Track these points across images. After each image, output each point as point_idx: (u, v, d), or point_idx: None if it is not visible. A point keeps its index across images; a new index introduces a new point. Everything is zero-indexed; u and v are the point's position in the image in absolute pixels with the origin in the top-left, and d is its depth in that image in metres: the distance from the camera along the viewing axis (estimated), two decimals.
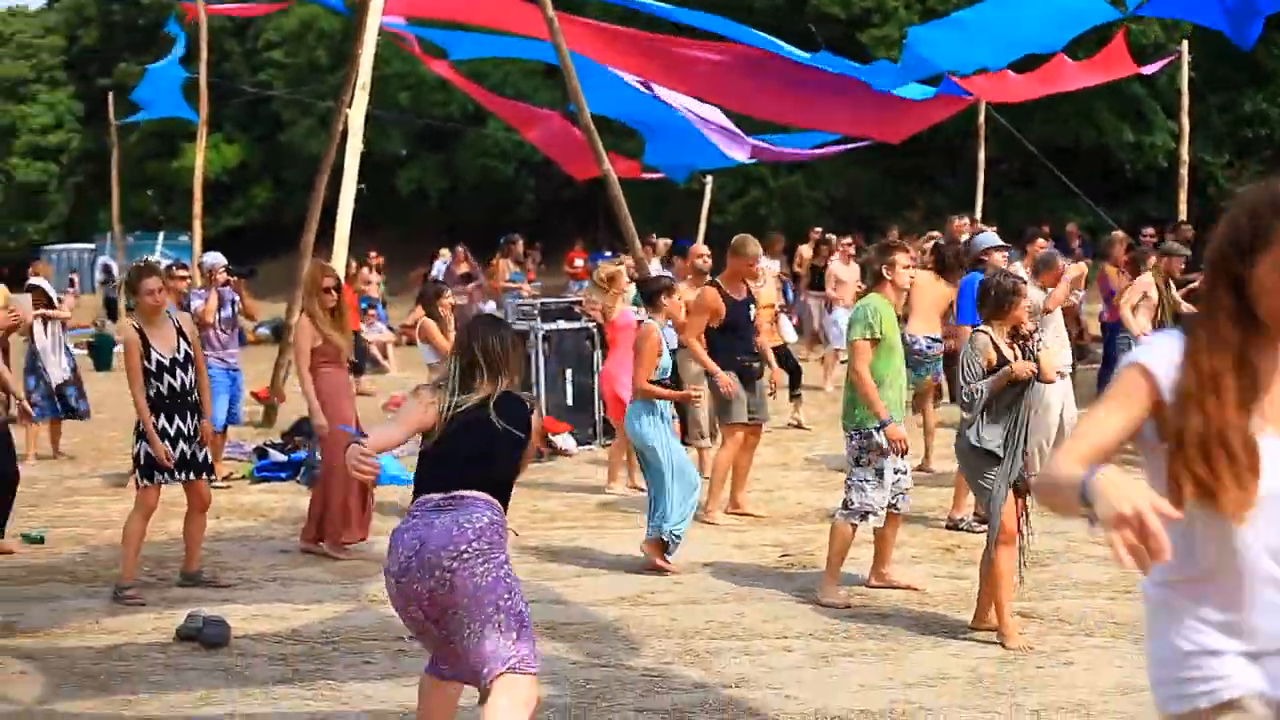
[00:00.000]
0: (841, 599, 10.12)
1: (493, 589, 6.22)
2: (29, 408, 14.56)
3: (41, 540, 12.78)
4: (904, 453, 10.20)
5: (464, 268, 28.21)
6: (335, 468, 11.68)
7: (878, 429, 10.06)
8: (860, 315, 10.31)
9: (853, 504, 10.18)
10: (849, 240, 24.81)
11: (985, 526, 10.06)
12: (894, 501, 10.31)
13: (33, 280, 18.82)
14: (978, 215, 26.64)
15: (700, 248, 16.63)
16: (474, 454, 6.46)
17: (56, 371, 17.39)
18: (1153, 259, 16.91)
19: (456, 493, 6.37)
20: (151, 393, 10.55)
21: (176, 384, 10.62)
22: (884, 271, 10.34)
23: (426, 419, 6.57)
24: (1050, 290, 13.38)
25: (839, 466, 15.68)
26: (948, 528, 12.48)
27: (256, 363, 24.90)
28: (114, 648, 9.32)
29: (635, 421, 11.44)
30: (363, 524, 12.04)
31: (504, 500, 6.52)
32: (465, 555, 6.19)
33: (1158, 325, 16.23)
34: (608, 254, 33.78)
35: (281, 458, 16.25)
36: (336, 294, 12.02)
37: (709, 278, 14.05)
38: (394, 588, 6.37)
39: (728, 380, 12.87)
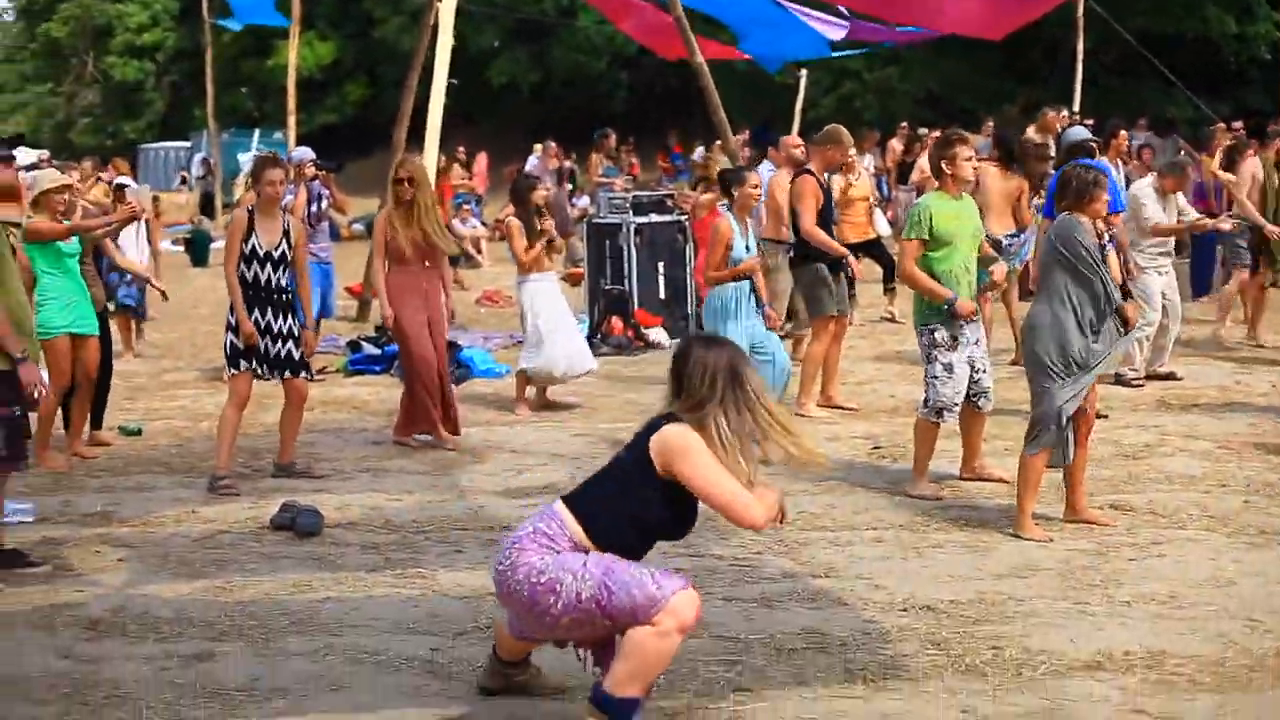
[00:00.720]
0: (931, 491, 10.10)
1: (536, 604, 5.86)
2: (160, 288, 14.77)
3: (139, 433, 12.93)
4: (970, 318, 10.09)
5: (555, 163, 28.13)
6: (410, 361, 11.78)
7: (943, 322, 10.00)
8: (911, 215, 10.27)
9: (929, 400, 10.15)
10: (937, 134, 24.54)
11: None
12: (975, 400, 10.24)
13: (118, 180, 18.95)
14: (1075, 108, 26.22)
15: (794, 138, 16.51)
16: (601, 472, 6.22)
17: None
18: (1251, 151, 16.71)
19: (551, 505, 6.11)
20: (245, 276, 10.66)
21: (266, 277, 10.70)
22: (944, 166, 10.21)
23: None
24: (1171, 196, 13.37)
25: None
26: None
27: (350, 258, 25.04)
28: (209, 536, 9.43)
29: (708, 313, 11.47)
30: (448, 418, 12.04)
31: (598, 531, 5.97)
32: (499, 566, 5.98)
33: (1263, 211, 16.05)
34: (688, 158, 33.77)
35: (375, 351, 16.33)
36: (410, 188, 11.98)
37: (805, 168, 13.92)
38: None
39: (856, 262, 12.89)
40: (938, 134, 23.64)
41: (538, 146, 32.57)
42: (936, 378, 10.09)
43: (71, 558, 8.97)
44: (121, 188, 17.27)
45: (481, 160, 36.62)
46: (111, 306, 16.00)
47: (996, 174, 14.55)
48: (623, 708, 5.66)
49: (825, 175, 13.44)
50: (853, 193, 16.86)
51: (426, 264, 12.00)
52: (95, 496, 10.55)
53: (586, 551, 5.93)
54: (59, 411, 11.89)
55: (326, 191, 16.50)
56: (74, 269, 11.69)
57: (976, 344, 10.21)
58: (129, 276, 16.64)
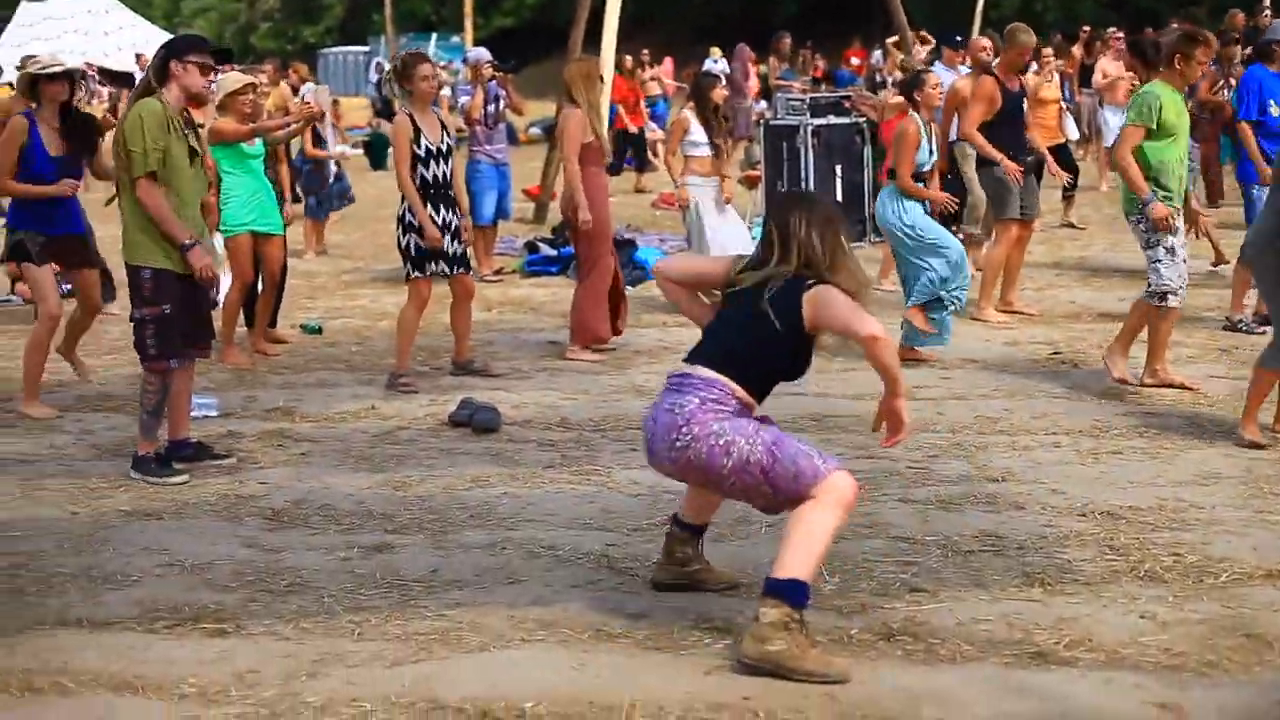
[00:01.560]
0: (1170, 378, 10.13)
1: (712, 465, 5.92)
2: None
3: (319, 331, 13.12)
4: (1171, 230, 9.93)
5: (752, 67, 27.91)
6: (596, 265, 11.72)
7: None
8: (1137, 100, 10.06)
9: (1151, 285, 10.01)
10: (1120, 34, 23.95)
11: (1265, 328, 9.78)
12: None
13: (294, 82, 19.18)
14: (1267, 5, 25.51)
15: (982, 39, 16.26)
16: (725, 332, 6.20)
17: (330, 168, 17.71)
18: None
19: (689, 370, 6.13)
20: (417, 180, 10.70)
21: (439, 173, 10.75)
22: (1178, 61, 9.96)
23: (714, 268, 6.52)
24: None
25: (1115, 265, 15.43)
26: (1225, 328, 12.17)
27: (527, 160, 25.14)
28: (388, 432, 9.56)
29: (883, 209, 11.34)
30: (620, 320, 11.98)
31: (751, 386, 6.10)
32: (678, 444, 5.96)
33: None
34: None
35: (551, 252, 16.42)
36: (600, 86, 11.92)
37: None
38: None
39: (1015, 167, 12.68)
40: (1117, 34, 23.11)
41: (714, 50, 32.37)
42: (1159, 261, 9.95)
43: (255, 451, 9.14)
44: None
45: (667, 64, 36.49)
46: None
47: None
48: (795, 590, 5.68)
49: (1017, 75, 13.22)
50: (1044, 94, 16.57)
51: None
52: (277, 392, 10.73)
53: (751, 411, 6.06)
54: (241, 309, 12.09)
55: (503, 93, 16.52)
56: (257, 169, 11.85)
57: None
58: (322, 177, 16.91)
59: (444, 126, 10.89)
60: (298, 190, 18.38)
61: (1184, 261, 10.02)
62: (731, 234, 13.17)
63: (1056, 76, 18.10)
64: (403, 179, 10.71)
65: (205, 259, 8.51)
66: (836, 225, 6.20)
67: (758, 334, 6.07)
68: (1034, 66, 15.90)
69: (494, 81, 16.41)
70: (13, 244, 10.40)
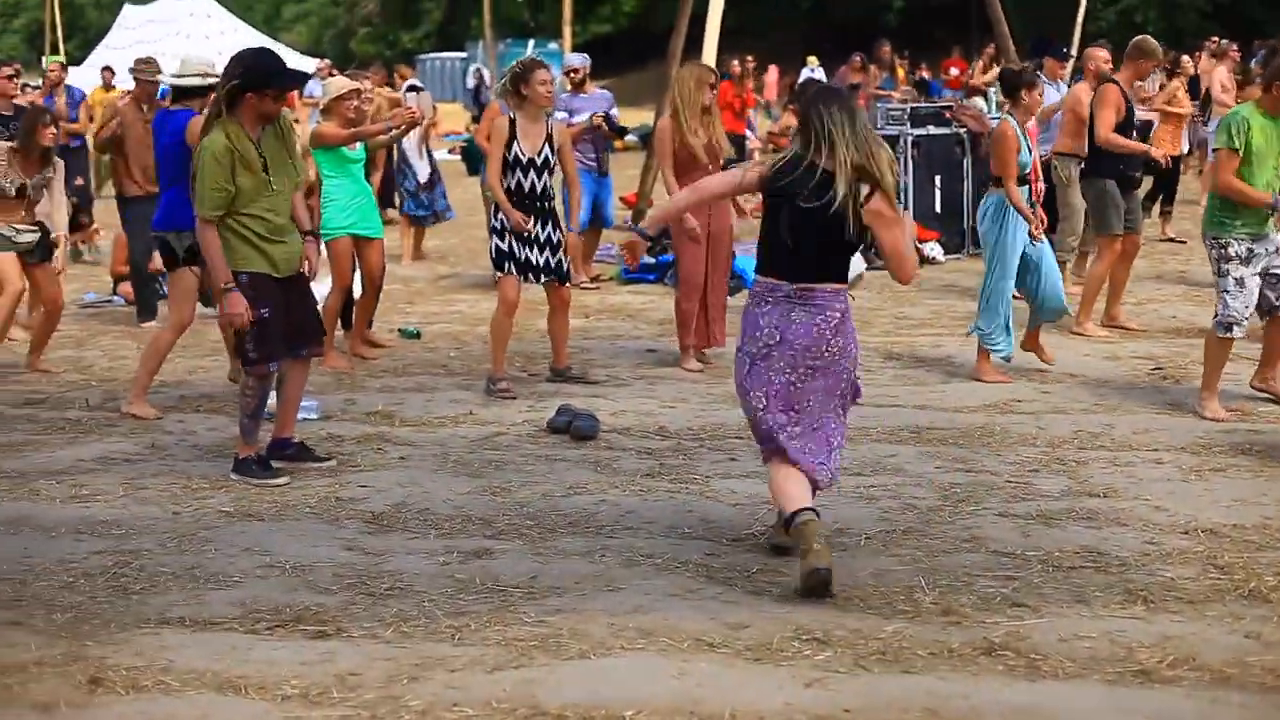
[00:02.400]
0: (1216, 413, 9.85)
1: (837, 386, 6.91)
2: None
3: (418, 335, 13.19)
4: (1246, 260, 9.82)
5: (856, 77, 27.82)
6: (687, 277, 11.67)
7: (1235, 237, 9.75)
8: (1224, 123, 9.94)
9: (1218, 314, 9.90)
10: (1235, 46, 23.65)
11: None
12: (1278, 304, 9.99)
13: (410, 82, 19.25)
14: None
15: (1101, 49, 16.09)
16: (822, 243, 6.79)
17: (422, 174, 17.72)
18: None
19: (807, 285, 6.82)
20: (507, 185, 10.73)
21: (528, 184, 10.76)
22: (1275, 88, 9.80)
23: (745, 179, 7.09)
24: None
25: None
26: None
27: (625, 169, 25.14)
28: (487, 437, 9.59)
29: (983, 216, 11.20)
30: (708, 330, 11.91)
31: (845, 273, 6.94)
32: (827, 354, 6.83)
33: None
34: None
35: (649, 260, 16.41)
36: (713, 92, 11.84)
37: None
38: (746, 366, 6.97)
39: (1162, 152, 12.56)
40: (1234, 47, 22.75)
41: (811, 59, 32.33)
42: (1227, 291, 9.84)
43: (354, 454, 9.20)
44: (415, 88, 17.51)
45: (773, 72, 36.43)
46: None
47: None
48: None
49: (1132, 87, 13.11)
50: (1175, 106, 16.51)
51: (712, 170, 11.86)
52: (376, 396, 10.79)
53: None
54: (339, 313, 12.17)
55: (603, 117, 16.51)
56: (358, 174, 11.92)
57: (1277, 253, 9.93)
58: (419, 184, 16.98)
59: (549, 139, 10.89)
60: (395, 196, 18.53)
61: (1252, 293, 9.87)
62: None
63: (1175, 90, 17.98)
64: (490, 179, 10.87)
65: (238, 307, 8.43)
66: (862, 116, 6.81)
67: (839, 238, 6.74)
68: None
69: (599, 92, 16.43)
70: (161, 243, 10.46)
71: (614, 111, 16.65)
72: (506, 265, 10.80)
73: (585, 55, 17.60)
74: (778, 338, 6.83)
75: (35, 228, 11.61)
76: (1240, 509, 7.86)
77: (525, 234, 10.71)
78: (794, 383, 6.87)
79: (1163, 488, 8.28)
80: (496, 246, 10.83)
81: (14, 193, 11.43)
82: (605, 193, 16.41)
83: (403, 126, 12.05)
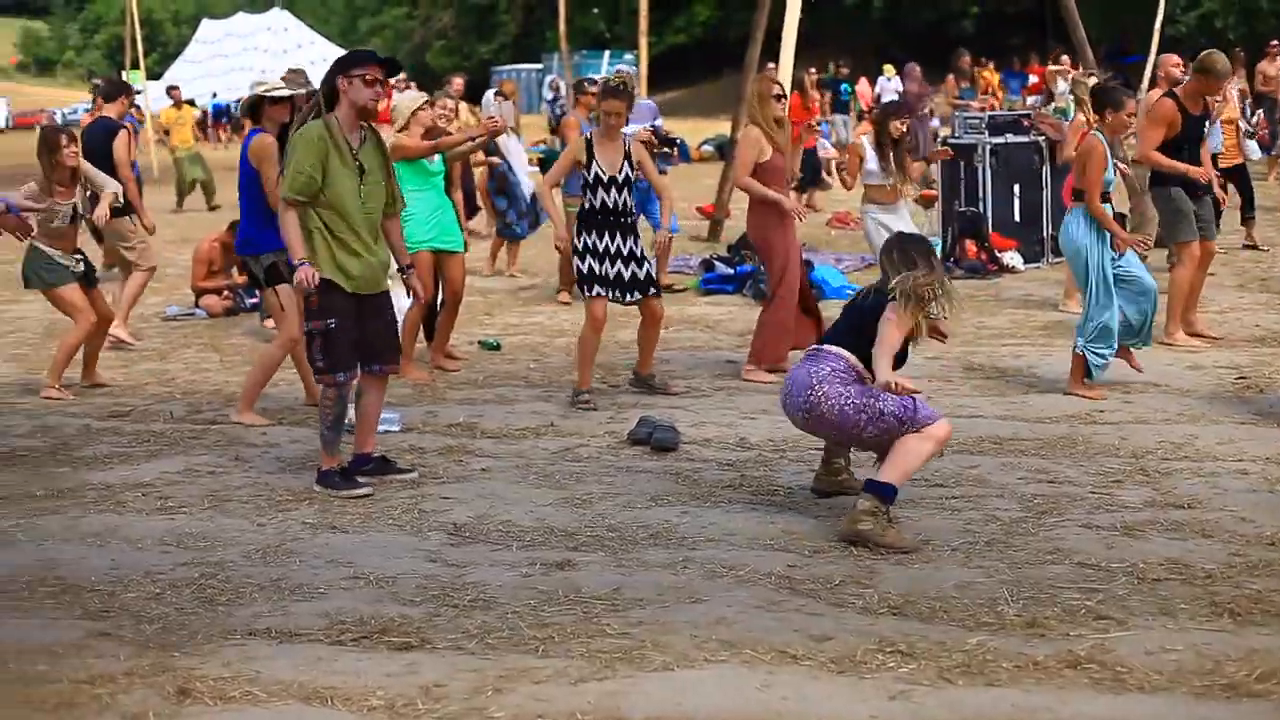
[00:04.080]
0: None
1: (844, 418, 7.73)
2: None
3: (498, 347, 13.25)
4: None
5: (915, 87, 27.75)
6: (779, 284, 11.68)
7: None
8: None
9: None
10: None
11: None
12: None
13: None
14: None
15: (1174, 57, 15.99)
16: (846, 322, 8.06)
17: (525, 190, 17.67)
18: None
19: (820, 347, 8.06)
20: (585, 206, 10.79)
21: (610, 202, 10.81)
22: None
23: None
24: None
25: None
26: None
27: (703, 178, 25.20)
28: (567, 449, 9.62)
29: (1069, 228, 11.06)
30: (819, 332, 11.85)
31: (865, 362, 7.81)
32: (810, 399, 7.79)
33: None
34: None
35: (728, 271, 16.44)
36: (784, 103, 11.85)
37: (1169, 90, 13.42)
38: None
39: (1204, 172, 12.44)
40: None
41: (888, 67, 32.22)
42: None
43: (436, 466, 9.25)
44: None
45: (863, 83, 36.31)
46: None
47: None
48: (886, 489, 7.53)
49: (1202, 99, 12.94)
50: (1224, 115, 16.31)
51: (778, 185, 11.87)
52: (458, 408, 10.85)
53: (864, 381, 7.81)
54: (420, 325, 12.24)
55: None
56: (439, 186, 11.98)
57: None
58: (518, 205, 17.02)
59: (627, 156, 10.93)
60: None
61: None
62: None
63: (1233, 96, 17.79)
64: (544, 192, 11.05)
65: (307, 275, 8.49)
66: (916, 272, 7.76)
67: (865, 325, 7.81)
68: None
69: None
70: (267, 268, 10.51)
71: (658, 122, 16.69)
72: (594, 288, 10.84)
73: (628, 67, 17.67)
74: (786, 389, 8.12)
75: (80, 254, 11.79)
76: None
77: (606, 249, 10.76)
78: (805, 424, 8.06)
79: (1248, 499, 8.21)
80: (577, 268, 10.88)
81: (69, 221, 11.58)
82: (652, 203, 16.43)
83: (484, 136, 12.10)
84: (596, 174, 10.78)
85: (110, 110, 14.72)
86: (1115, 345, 10.88)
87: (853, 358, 7.82)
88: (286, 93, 10.55)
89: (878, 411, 7.61)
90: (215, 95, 54.64)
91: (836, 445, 8.25)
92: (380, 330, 8.91)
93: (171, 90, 29.33)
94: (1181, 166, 12.41)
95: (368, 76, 8.58)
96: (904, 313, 7.69)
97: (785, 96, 11.96)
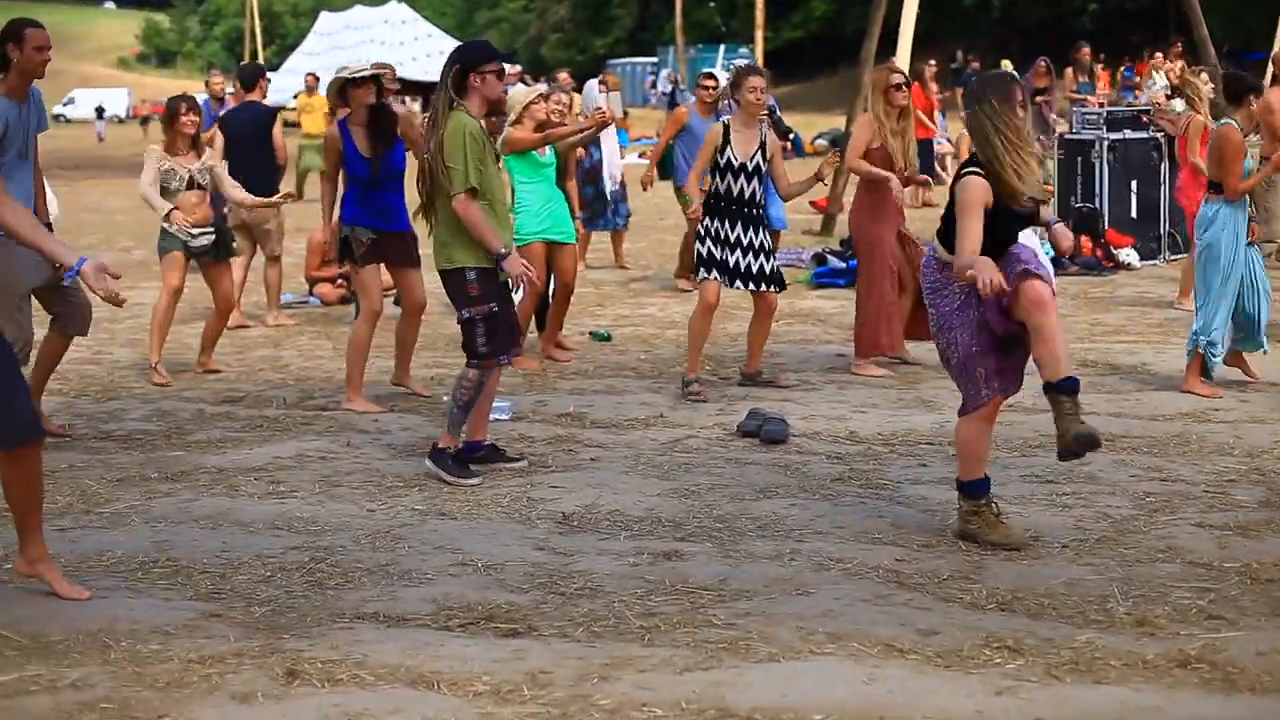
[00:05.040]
0: None
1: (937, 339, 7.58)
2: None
3: (609, 338, 13.28)
4: None
5: (1043, 81, 27.45)
6: (870, 277, 11.61)
7: None
8: None
9: None
10: None
11: None
12: None
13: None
14: None
15: None
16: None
17: (611, 181, 17.67)
18: None
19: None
20: (715, 190, 10.78)
21: (738, 189, 10.79)
22: None
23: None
24: None
25: None
26: None
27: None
28: (677, 440, 9.63)
29: (1201, 219, 10.87)
30: (916, 321, 11.74)
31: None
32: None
33: None
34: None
35: (840, 265, 16.39)
36: (905, 92, 11.75)
37: None
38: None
39: None
40: None
41: (1005, 62, 31.96)
42: None
43: (546, 455, 9.28)
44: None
45: (1040, 63, 35.92)
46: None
47: None
48: (973, 487, 7.42)
49: None
50: None
51: (896, 174, 11.73)
52: (568, 398, 10.88)
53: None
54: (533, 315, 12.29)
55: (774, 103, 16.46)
56: (550, 178, 12.02)
57: None
58: (602, 197, 17.02)
59: (763, 146, 10.92)
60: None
61: None
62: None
63: None
64: (690, 180, 10.87)
65: (519, 264, 8.70)
66: (992, 102, 7.22)
67: (950, 203, 7.35)
68: None
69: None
70: (342, 240, 10.68)
71: (774, 105, 16.60)
72: (710, 270, 10.85)
73: (745, 60, 17.62)
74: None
75: (211, 229, 11.88)
76: None
77: (726, 236, 10.76)
78: None
79: None
80: (698, 252, 10.89)
81: (185, 186, 11.67)
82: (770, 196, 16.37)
83: (594, 128, 12.13)
84: (729, 159, 10.78)
85: (254, 95, 14.87)
86: (1226, 344, 10.74)
87: (941, 250, 7.44)
88: (369, 73, 10.68)
89: (945, 345, 7.45)
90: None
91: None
92: (512, 315, 9.01)
93: (308, 76, 29.60)
94: None
95: (500, 71, 8.74)
96: (974, 170, 7.20)
97: (907, 86, 11.85)
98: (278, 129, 14.35)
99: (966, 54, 33.45)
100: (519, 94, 12.03)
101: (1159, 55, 27.43)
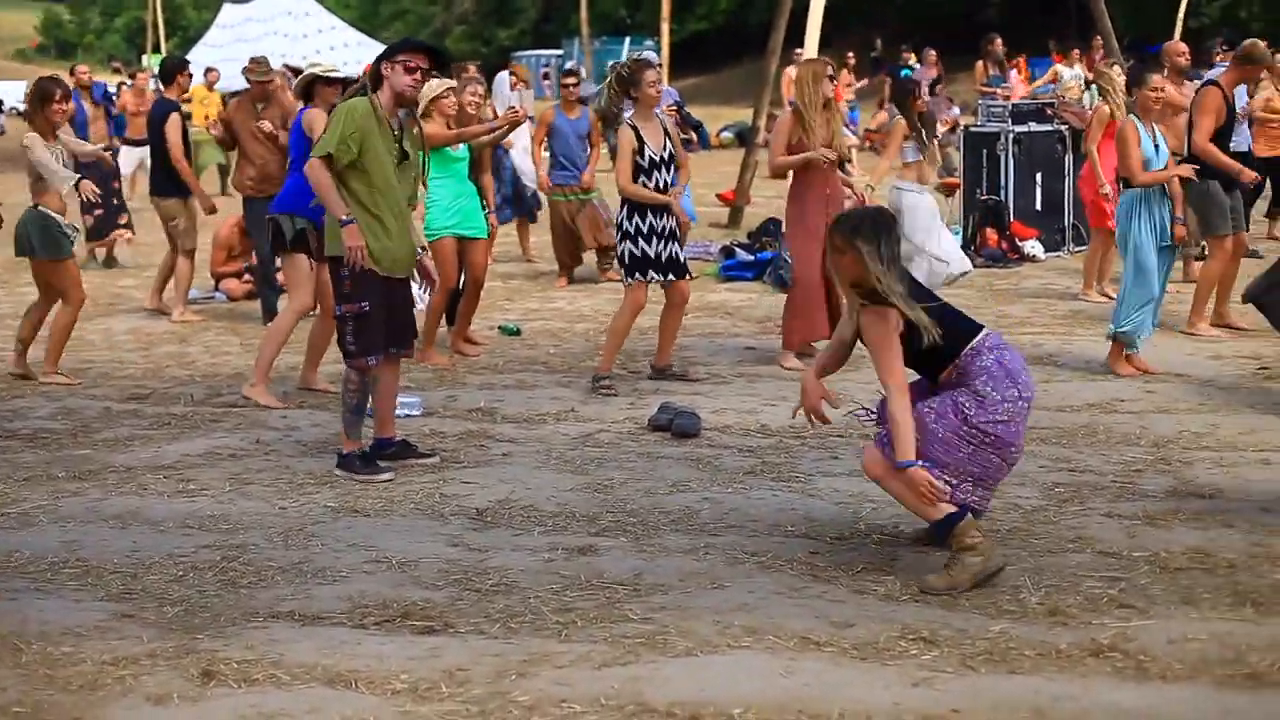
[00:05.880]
0: None
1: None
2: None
3: (518, 332, 13.25)
4: None
5: (934, 72, 27.66)
6: (801, 270, 11.62)
7: None
8: None
9: None
10: None
11: None
12: None
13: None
14: None
15: (1178, 45, 15.97)
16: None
17: (512, 174, 17.59)
18: None
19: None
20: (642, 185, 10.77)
21: (659, 183, 10.79)
22: None
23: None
24: None
25: None
26: None
27: (721, 165, 25.17)
28: (588, 435, 9.62)
29: (1122, 213, 11.05)
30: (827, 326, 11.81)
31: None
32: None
33: None
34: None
35: (748, 257, 16.42)
36: (832, 84, 11.73)
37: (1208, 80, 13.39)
38: (1025, 412, 7.02)
39: (1253, 174, 12.41)
40: None
41: (909, 56, 32.14)
42: None
43: (457, 451, 9.26)
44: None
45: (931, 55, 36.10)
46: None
47: None
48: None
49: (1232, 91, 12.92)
50: (1277, 104, 16.34)
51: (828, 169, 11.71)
52: (478, 393, 10.85)
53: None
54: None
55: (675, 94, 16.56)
56: (461, 173, 11.97)
57: None
58: (504, 188, 16.95)
59: (666, 132, 10.92)
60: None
61: None
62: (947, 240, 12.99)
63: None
64: (625, 188, 10.77)
65: (358, 239, 8.53)
66: (872, 240, 6.75)
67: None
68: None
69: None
70: (296, 231, 10.60)
71: (680, 100, 16.66)
72: (644, 273, 10.84)
73: (651, 53, 17.66)
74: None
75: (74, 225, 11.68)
76: None
77: (652, 227, 10.74)
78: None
79: (1270, 489, 8.19)
80: (630, 253, 10.85)
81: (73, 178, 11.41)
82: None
83: (506, 126, 12.10)
84: (650, 157, 10.75)
85: (170, 92, 14.74)
86: (1154, 324, 10.94)
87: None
88: (340, 75, 10.79)
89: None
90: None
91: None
92: (401, 313, 8.93)
93: (209, 72, 29.37)
94: (1234, 166, 12.37)
95: (410, 64, 8.65)
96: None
97: (835, 79, 11.88)
98: (169, 126, 14.09)
99: (846, 58, 33.54)
100: (426, 89, 11.96)
101: (1075, 50, 27.66)
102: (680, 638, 6.06)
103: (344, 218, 8.51)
